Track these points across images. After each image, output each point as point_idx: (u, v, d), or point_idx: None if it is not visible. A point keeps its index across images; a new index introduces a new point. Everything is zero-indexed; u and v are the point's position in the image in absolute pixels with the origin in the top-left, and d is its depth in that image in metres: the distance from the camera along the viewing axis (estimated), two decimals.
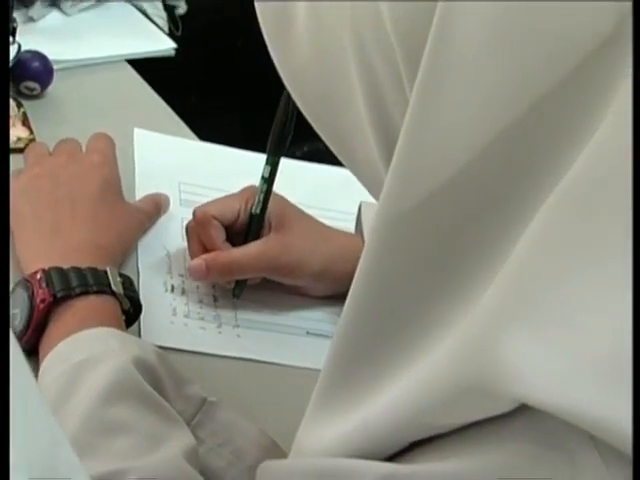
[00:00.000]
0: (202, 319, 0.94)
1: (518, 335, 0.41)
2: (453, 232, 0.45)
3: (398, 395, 0.46)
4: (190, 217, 0.96)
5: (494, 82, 0.42)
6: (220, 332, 0.94)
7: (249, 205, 0.94)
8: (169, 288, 0.96)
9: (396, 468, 0.47)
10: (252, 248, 0.93)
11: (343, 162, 0.56)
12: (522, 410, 0.43)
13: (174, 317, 0.93)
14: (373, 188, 0.55)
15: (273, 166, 0.92)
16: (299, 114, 0.87)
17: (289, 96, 0.87)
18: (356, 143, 0.52)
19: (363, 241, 0.97)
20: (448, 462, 0.45)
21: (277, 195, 0.94)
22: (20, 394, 0.37)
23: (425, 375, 0.45)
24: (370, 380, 0.48)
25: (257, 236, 0.94)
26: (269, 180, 0.92)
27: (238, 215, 0.94)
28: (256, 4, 0.54)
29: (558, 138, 0.42)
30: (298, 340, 0.96)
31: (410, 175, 0.45)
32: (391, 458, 0.48)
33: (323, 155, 1.16)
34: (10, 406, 0.35)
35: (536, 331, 0.41)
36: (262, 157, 1.02)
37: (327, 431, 0.51)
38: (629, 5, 0.40)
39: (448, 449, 0.45)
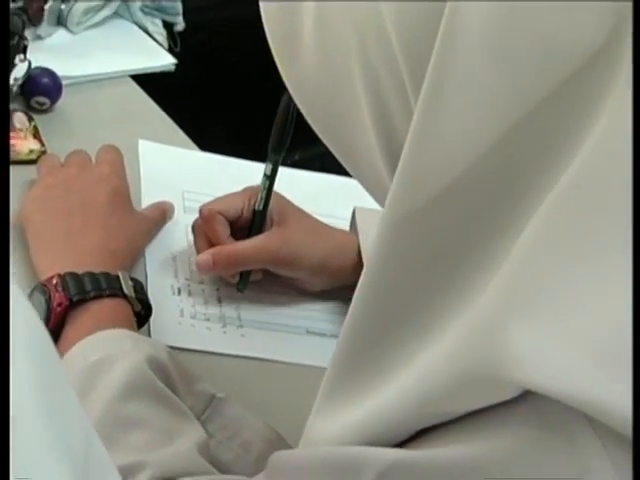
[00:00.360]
0: (208, 320, 0.95)
1: (522, 324, 0.42)
2: (455, 231, 0.45)
3: (405, 385, 0.47)
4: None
5: (494, 91, 0.43)
6: (225, 332, 0.94)
7: (252, 202, 0.95)
8: (176, 291, 0.96)
9: (404, 454, 0.47)
10: (254, 241, 0.94)
11: (347, 168, 0.57)
12: (525, 396, 0.43)
13: (181, 318, 0.94)
14: (376, 193, 0.56)
15: (274, 164, 0.93)
16: (296, 120, 0.89)
17: (290, 97, 0.88)
18: (360, 151, 0.53)
19: (358, 240, 0.98)
20: (455, 447, 0.45)
21: (278, 193, 0.96)
22: (56, 386, 0.37)
23: (431, 365, 0.45)
24: (377, 371, 0.49)
25: (260, 231, 0.95)
26: (271, 177, 0.93)
27: (242, 212, 0.95)
28: (264, 18, 0.55)
29: (553, 142, 0.43)
30: (298, 338, 0.97)
31: (415, 180, 0.46)
32: (399, 445, 0.49)
33: (313, 163, 1.17)
34: (48, 396, 0.36)
35: (539, 320, 0.42)
36: (259, 166, 1.03)
37: (336, 420, 0.51)
38: (622, 17, 0.41)
39: (454, 435, 0.46)
